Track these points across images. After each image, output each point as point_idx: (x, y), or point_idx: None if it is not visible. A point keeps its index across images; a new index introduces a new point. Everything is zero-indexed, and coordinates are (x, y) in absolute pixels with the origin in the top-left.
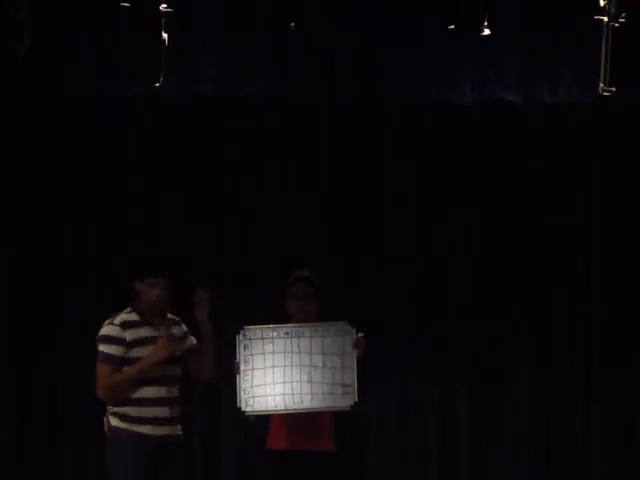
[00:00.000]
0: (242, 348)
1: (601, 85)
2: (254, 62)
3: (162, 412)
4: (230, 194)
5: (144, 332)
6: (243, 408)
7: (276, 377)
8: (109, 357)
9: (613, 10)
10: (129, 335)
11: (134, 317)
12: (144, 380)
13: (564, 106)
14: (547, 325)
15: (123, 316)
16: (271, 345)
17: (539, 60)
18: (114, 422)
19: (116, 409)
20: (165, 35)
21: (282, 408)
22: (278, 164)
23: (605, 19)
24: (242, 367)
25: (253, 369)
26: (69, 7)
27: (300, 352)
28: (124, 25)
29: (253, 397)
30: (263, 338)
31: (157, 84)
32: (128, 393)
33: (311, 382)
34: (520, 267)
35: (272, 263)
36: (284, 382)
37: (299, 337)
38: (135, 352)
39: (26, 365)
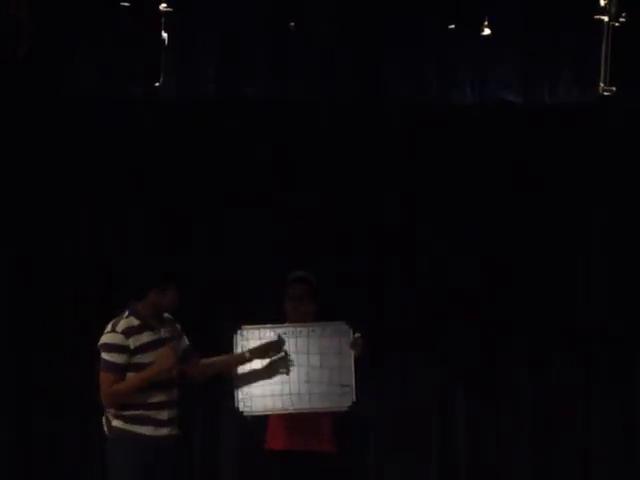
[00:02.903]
0: (240, 348)
1: (601, 85)
2: (254, 62)
3: (163, 415)
4: (230, 194)
5: (146, 337)
6: (241, 408)
7: (274, 377)
8: (113, 365)
9: (613, 10)
10: (132, 342)
11: (134, 322)
12: (157, 384)
13: (564, 106)
14: (547, 325)
15: (123, 322)
16: None
17: (539, 60)
18: (116, 423)
19: (119, 412)
20: (165, 35)
21: (280, 408)
22: (278, 164)
23: (605, 19)
24: (240, 367)
25: (251, 369)
26: (69, 7)
27: (298, 352)
28: (124, 25)
29: (251, 397)
30: (261, 338)
31: (157, 84)
32: (132, 397)
33: (309, 382)
34: (520, 267)
35: (272, 263)
36: (282, 382)
37: (297, 337)
38: (139, 358)
39: (26, 365)
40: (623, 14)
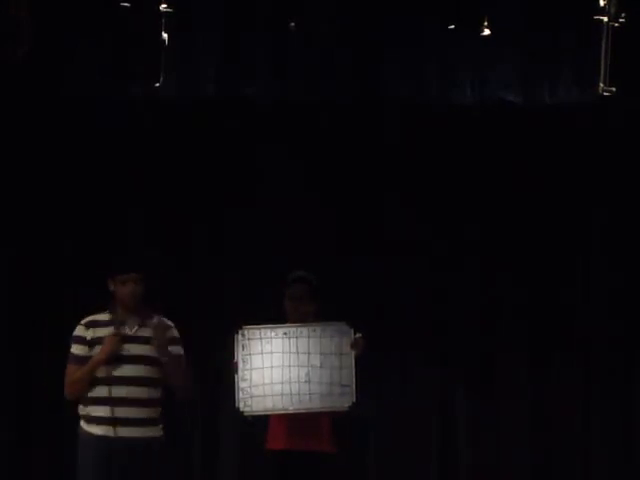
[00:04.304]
0: (240, 348)
1: (601, 85)
2: (254, 62)
3: (121, 412)
4: (230, 194)
5: (107, 331)
6: (241, 408)
7: (274, 377)
8: (73, 357)
9: (613, 10)
10: (90, 334)
11: (105, 317)
12: (102, 379)
13: (564, 106)
14: (547, 325)
15: (93, 316)
16: (269, 345)
17: (539, 60)
18: (80, 423)
19: (81, 409)
20: (165, 35)
21: (280, 408)
22: (278, 164)
23: (605, 19)
24: (240, 367)
25: (251, 369)
26: (69, 7)
27: (298, 352)
28: (124, 25)
29: (251, 397)
30: (261, 338)
31: (157, 84)
32: (88, 393)
33: (309, 382)
34: (520, 266)
35: (272, 263)
36: (282, 382)
37: (297, 337)
38: (94, 351)
39: (26, 365)
40: (623, 14)
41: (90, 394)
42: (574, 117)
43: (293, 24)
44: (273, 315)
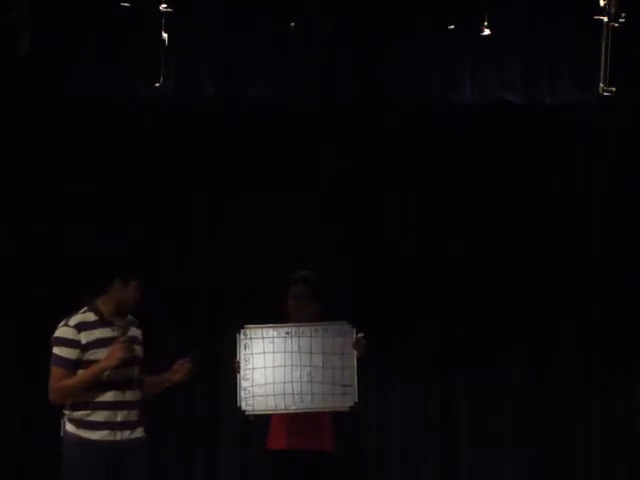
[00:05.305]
0: (242, 347)
1: (601, 85)
2: (254, 62)
3: (119, 416)
4: (230, 194)
5: (100, 333)
6: (243, 407)
7: (276, 377)
8: (62, 360)
9: (613, 10)
10: (84, 337)
11: (91, 317)
12: (100, 384)
13: (564, 106)
14: (547, 325)
15: (78, 317)
16: (271, 345)
17: (539, 60)
18: (69, 428)
19: (71, 413)
20: (165, 35)
21: (282, 408)
22: (278, 164)
23: (605, 19)
24: (242, 366)
25: (253, 368)
26: (69, 7)
27: (300, 352)
28: (124, 25)
29: (253, 396)
30: (263, 337)
31: (157, 84)
32: (82, 397)
33: (311, 382)
34: (520, 266)
35: (272, 263)
36: (284, 382)
37: (299, 337)
38: (91, 354)
39: (26, 365)
40: (623, 14)
41: (94, 399)
42: (574, 117)
43: (293, 24)
44: (275, 315)
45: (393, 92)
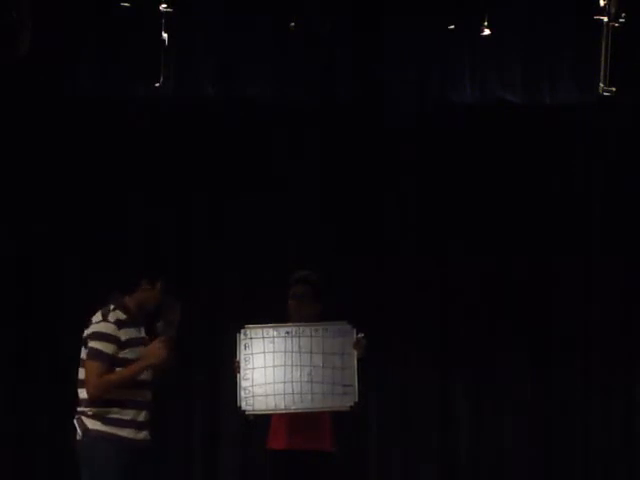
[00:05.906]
0: (243, 347)
1: (601, 85)
2: (254, 62)
3: (142, 416)
4: (230, 194)
5: (133, 333)
6: (243, 407)
7: (276, 376)
8: (104, 355)
9: (613, 10)
10: (123, 335)
11: (122, 316)
12: (140, 383)
13: (564, 106)
14: (547, 325)
15: (114, 314)
16: (272, 344)
17: (539, 60)
18: (94, 425)
19: (97, 411)
20: (165, 35)
21: (282, 408)
22: (278, 164)
23: (605, 19)
24: (242, 366)
25: (253, 368)
26: (69, 7)
27: (300, 352)
28: (124, 25)
29: (253, 396)
30: (264, 337)
31: (157, 84)
32: (113, 395)
33: (311, 382)
34: (520, 266)
35: (272, 263)
36: (284, 381)
37: (300, 336)
38: (126, 353)
39: (26, 365)
40: (623, 14)
41: (124, 397)
42: (574, 117)
43: (293, 24)
44: (275, 315)
45: (393, 92)
